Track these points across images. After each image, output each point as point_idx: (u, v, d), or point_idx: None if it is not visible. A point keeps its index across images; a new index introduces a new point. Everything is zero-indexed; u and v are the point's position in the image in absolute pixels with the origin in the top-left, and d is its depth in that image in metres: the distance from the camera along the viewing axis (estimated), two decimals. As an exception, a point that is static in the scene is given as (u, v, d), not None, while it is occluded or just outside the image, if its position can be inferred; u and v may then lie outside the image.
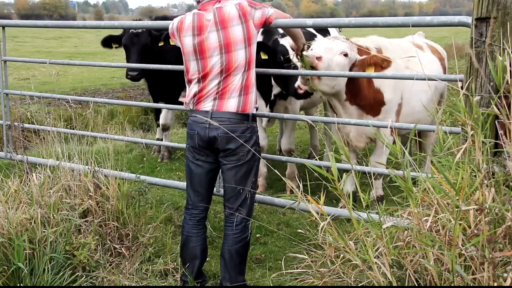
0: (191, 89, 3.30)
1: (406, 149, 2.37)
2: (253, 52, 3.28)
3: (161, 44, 5.44)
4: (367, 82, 4.25)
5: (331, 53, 3.91)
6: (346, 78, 4.11)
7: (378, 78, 4.14)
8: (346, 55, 3.96)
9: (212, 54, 3.19)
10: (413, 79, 3.46)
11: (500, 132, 2.21)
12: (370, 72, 3.99)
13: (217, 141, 3.19)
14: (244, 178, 3.26)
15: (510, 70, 2.26)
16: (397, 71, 4.27)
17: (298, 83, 4.17)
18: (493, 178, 2.13)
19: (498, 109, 2.23)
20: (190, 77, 3.31)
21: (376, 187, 4.53)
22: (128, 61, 5.79)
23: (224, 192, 3.36)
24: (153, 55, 5.74)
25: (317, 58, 3.73)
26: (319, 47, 3.96)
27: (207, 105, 3.23)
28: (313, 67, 3.74)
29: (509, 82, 2.25)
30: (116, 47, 5.93)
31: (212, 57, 3.19)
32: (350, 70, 4.04)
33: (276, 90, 4.98)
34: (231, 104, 3.20)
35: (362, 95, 4.27)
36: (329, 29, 6.21)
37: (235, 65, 3.18)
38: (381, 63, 3.97)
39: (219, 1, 3.25)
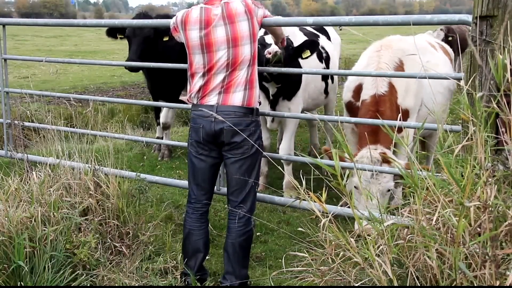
0: (195, 83, 3.32)
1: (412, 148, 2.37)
2: (256, 48, 3.36)
3: (165, 39, 5.39)
4: (396, 110, 4.19)
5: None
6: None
7: (393, 77, 4.11)
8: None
9: (219, 48, 3.23)
10: (415, 77, 3.45)
11: (502, 129, 2.20)
12: (386, 71, 3.99)
13: (223, 134, 3.21)
14: (248, 171, 3.29)
15: (511, 69, 2.26)
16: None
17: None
18: (494, 176, 2.13)
19: (499, 106, 2.23)
20: (193, 71, 3.32)
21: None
22: (129, 52, 5.77)
23: (228, 185, 3.39)
24: (155, 53, 5.72)
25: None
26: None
27: (212, 99, 3.26)
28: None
29: (510, 80, 2.25)
30: (121, 38, 5.92)
31: (219, 51, 3.23)
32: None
33: (272, 89, 4.93)
34: (237, 98, 3.24)
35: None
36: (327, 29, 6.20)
37: (241, 59, 3.23)
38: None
39: None
